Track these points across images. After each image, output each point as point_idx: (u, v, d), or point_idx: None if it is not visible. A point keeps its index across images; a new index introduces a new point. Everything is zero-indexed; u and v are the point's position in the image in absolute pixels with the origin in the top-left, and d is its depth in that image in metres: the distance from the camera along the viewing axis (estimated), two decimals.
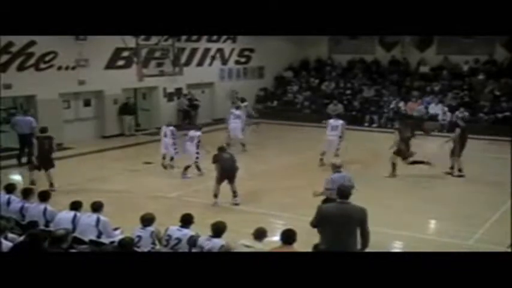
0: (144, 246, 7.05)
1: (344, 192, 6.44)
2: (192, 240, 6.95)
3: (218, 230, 6.77)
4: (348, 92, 25.37)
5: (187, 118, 22.73)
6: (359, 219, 6.29)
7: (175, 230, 7.14)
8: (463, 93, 22.97)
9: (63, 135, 18.47)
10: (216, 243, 6.59)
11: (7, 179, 12.04)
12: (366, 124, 23.01)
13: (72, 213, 7.88)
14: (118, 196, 12.00)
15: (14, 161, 15.53)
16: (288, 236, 6.14)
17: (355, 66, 26.88)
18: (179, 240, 7.01)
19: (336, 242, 6.20)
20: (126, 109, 20.58)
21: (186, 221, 7.26)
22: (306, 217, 10.31)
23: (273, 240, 7.41)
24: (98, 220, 7.64)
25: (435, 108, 22.28)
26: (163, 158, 15.08)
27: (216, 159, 11.61)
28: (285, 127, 22.88)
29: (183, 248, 6.95)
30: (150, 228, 7.28)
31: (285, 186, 12.63)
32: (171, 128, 14.95)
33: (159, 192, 12.59)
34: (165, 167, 14.95)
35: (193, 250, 6.87)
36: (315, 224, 6.58)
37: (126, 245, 6.36)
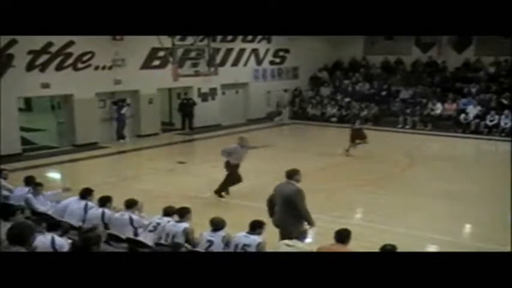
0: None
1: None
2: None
3: (254, 226, 6.79)
4: (384, 93, 25.07)
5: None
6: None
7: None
8: (504, 95, 22.38)
9: (98, 134, 18.79)
10: (254, 240, 6.57)
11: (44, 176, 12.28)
12: (400, 126, 22.65)
13: (100, 209, 8.04)
14: (151, 195, 12.07)
15: (53, 159, 15.80)
16: (343, 235, 6.20)
17: (391, 67, 26.54)
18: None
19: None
20: (182, 108, 21.85)
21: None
22: (341, 219, 10.25)
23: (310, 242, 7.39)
24: (131, 219, 7.71)
25: (472, 110, 21.82)
26: None
27: None
28: (317, 127, 22.92)
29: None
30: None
31: (322, 188, 12.47)
32: None
33: (193, 191, 12.62)
34: None
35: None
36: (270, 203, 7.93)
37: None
